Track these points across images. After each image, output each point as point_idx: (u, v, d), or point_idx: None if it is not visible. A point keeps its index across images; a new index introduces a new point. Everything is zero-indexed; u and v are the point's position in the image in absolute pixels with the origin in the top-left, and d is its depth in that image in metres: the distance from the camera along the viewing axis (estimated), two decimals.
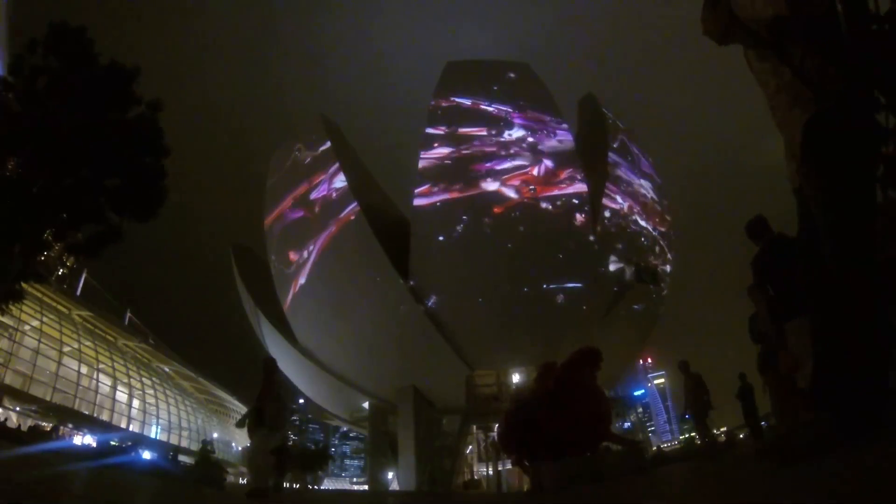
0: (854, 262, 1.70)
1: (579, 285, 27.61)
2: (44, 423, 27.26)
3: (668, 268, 34.08)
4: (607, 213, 29.58)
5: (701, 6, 2.21)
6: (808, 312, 2.04)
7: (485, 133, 30.03)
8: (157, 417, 39.87)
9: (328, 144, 31.39)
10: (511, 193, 28.37)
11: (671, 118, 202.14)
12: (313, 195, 31.01)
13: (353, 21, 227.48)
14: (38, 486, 3.36)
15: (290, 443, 13.54)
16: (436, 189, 28.44)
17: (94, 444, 24.55)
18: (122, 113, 9.29)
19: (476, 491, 24.95)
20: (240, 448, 57.09)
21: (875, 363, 1.64)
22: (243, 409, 65.19)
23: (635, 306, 30.61)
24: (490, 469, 28.32)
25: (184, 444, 40.48)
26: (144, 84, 9.56)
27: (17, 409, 28.15)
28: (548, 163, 29.46)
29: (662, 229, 34.31)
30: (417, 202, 28.23)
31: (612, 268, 29.11)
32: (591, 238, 28.08)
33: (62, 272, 50.76)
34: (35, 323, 30.45)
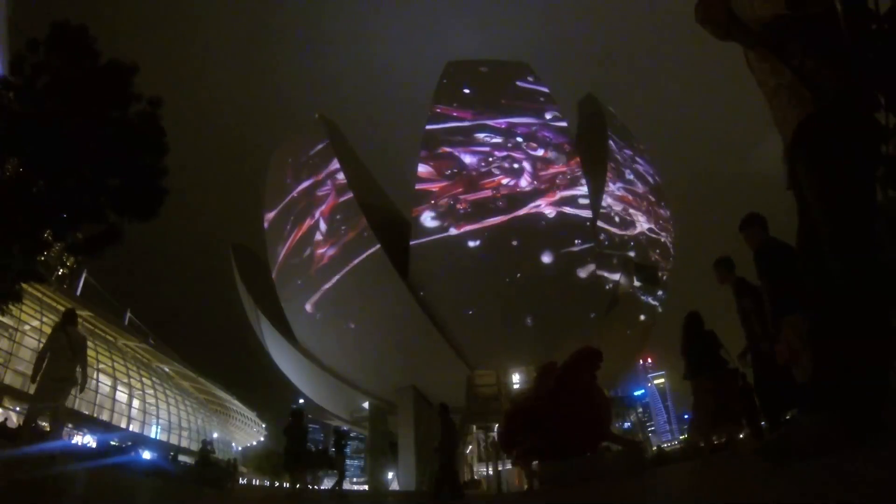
0: (854, 263, 1.70)
1: (579, 285, 27.59)
2: (44, 423, 27.24)
3: (668, 267, 34.08)
4: (607, 213, 29.58)
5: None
6: (807, 311, 2.04)
7: (484, 133, 30.03)
8: (157, 417, 39.84)
9: (327, 144, 31.38)
10: (510, 194, 28.37)
11: (671, 118, 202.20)
12: (313, 195, 31.01)
13: (353, 21, 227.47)
14: (38, 486, 3.35)
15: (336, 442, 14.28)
16: (435, 189, 28.44)
17: (94, 444, 24.55)
18: (123, 111, 9.27)
19: (476, 491, 24.91)
20: (239, 448, 57.14)
21: (875, 363, 1.64)
22: (244, 409, 65.37)
23: (635, 306, 30.60)
24: (490, 469, 28.31)
25: (184, 444, 40.47)
26: (144, 84, 9.55)
27: (17, 409, 28.13)
28: (547, 162, 29.47)
29: (662, 229, 34.31)
30: (417, 202, 28.22)
31: (612, 267, 29.10)
32: (591, 238, 28.08)
33: (62, 272, 50.75)
34: (35, 323, 30.42)
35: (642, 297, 30.99)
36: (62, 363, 6.04)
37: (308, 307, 30.55)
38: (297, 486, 11.04)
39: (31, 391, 6.23)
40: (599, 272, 28.22)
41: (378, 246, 26.85)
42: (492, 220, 27.59)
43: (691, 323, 5.82)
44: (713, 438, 6.50)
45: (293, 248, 31.56)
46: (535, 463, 7.23)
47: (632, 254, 30.37)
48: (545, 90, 32.46)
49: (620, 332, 29.09)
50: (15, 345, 28.46)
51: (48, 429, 6.17)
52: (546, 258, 27.22)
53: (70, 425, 30.72)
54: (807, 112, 1.86)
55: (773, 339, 4.32)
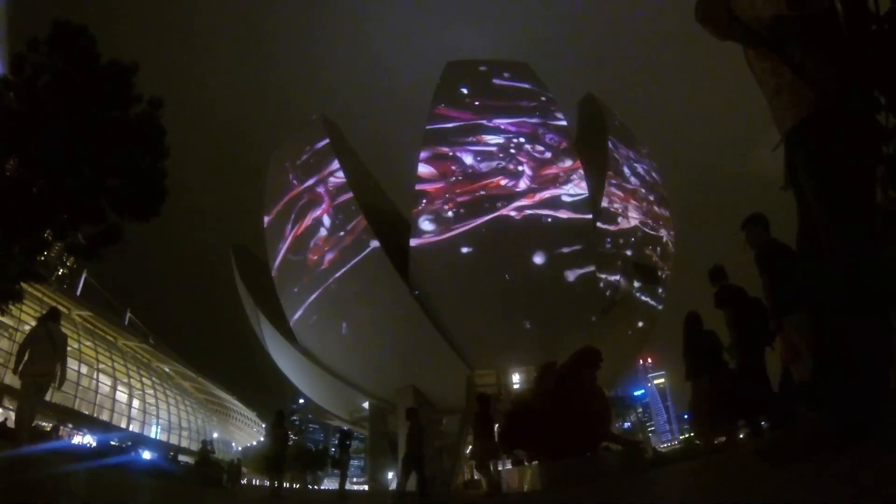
0: (854, 263, 1.70)
1: (579, 285, 27.58)
2: (44, 423, 27.22)
3: (668, 267, 34.07)
4: (607, 213, 29.57)
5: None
6: (808, 311, 2.04)
7: (484, 133, 30.01)
8: (157, 417, 39.83)
9: (327, 144, 31.38)
10: (510, 194, 28.35)
11: (671, 118, 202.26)
12: (313, 195, 31.00)
13: (353, 21, 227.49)
14: (38, 486, 3.35)
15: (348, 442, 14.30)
16: (435, 189, 28.43)
17: (94, 444, 24.55)
18: (123, 111, 9.26)
19: (476, 491, 24.90)
20: (239, 448, 57.15)
21: (875, 363, 1.64)
22: (244, 409, 65.31)
23: (635, 306, 30.59)
24: (490, 469, 28.26)
25: (184, 444, 40.47)
26: (144, 84, 9.54)
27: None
28: (547, 162, 29.45)
29: (662, 229, 34.29)
30: (417, 202, 28.21)
31: (611, 267, 29.08)
32: (591, 238, 28.06)
33: (62, 272, 50.74)
34: (35, 323, 30.41)
35: (642, 298, 30.97)
36: (43, 358, 6.02)
37: (308, 307, 30.50)
38: (277, 485, 10.96)
39: (8, 381, 6.26)
40: (599, 272, 28.21)
41: (377, 245, 26.84)
42: (492, 220, 27.57)
43: (691, 323, 5.83)
44: (713, 438, 6.51)
45: (293, 248, 31.57)
46: (534, 463, 7.24)
47: (632, 253, 30.37)
48: (546, 89, 32.46)
49: (620, 332, 29.08)
50: (15, 345, 28.43)
51: (18, 427, 6.18)
52: (546, 258, 27.21)
53: (70, 425, 30.75)
54: (807, 112, 1.86)
55: (766, 341, 4.37)
